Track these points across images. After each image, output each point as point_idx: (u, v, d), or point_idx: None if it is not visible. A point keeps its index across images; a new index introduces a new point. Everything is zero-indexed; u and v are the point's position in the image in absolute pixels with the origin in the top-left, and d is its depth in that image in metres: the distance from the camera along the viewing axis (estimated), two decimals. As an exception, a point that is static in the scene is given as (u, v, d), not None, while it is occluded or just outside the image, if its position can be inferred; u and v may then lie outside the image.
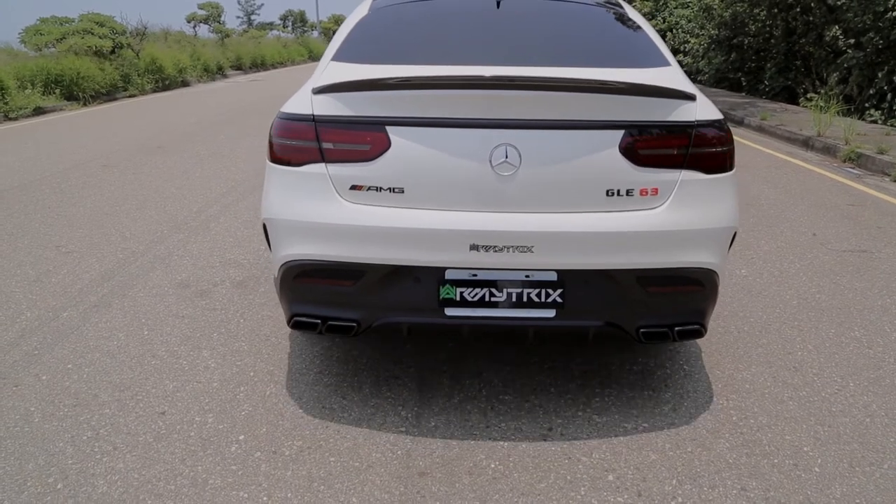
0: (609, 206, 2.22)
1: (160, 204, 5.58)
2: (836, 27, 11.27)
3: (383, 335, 3.07)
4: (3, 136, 9.85)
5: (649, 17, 20.45)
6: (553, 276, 2.24)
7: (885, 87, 9.91)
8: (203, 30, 26.43)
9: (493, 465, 2.23)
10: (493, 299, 2.27)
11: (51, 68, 13.52)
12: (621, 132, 2.19)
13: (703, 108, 2.31)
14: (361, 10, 2.92)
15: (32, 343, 3.11)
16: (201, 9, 26.29)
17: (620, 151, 2.19)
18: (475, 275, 2.24)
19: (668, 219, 2.23)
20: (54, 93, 13.44)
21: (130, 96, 15.82)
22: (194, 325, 3.28)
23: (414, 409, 2.55)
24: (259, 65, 27.33)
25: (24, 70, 13.13)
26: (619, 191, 2.21)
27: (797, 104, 11.74)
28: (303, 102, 2.32)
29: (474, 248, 2.18)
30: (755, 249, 4.40)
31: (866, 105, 10.21)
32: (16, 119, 11.68)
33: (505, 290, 2.26)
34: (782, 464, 2.25)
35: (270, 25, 38.12)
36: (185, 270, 4.01)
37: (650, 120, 2.22)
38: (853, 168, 7.16)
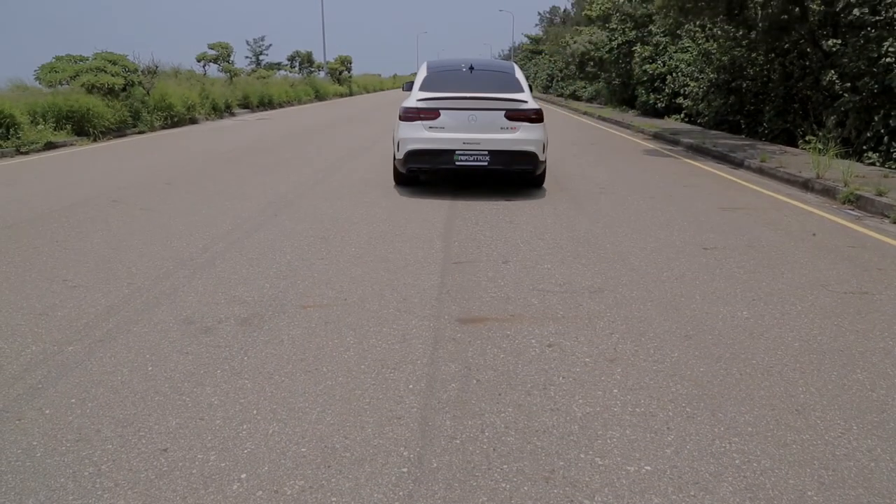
0: (502, 133, 7.31)
1: (166, 239, 5.64)
2: (832, 72, 11.49)
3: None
4: (15, 169, 10.00)
5: (649, 60, 20.85)
6: (486, 153, 7.27)
7: (882, 131, 10.05)
8: (212, 69, 26.92)
9: (495, 507, 2.22)
10: (468, 158, 7.26)
11: (62, 105, 13.78)
12: (504, 111, 7.31)
13: (531, 104, 7.49)
14: (424, 71, 8.03)
15: (37, 377, 3.13)
16: (211, 48, 26.82)
17: (504, 117, 7.30)
18: (464, 152, 7.26)
19: (519, 137, 7.33)
20: (65, 128, 13.66)
21: (140, 132, 16.07)
22: (198, 361, 3.29)
23: (416, 450, 2.55)
24: (266, 104, 27.76)
25: (37, 106, 13.39)
26: (504, 127, 7.30)
27: (796, 146, 11.88)
28: (412, 102, 7.43)
29: (465, 143, 7.25)
30: (756, 291, 4.43)
31: (864, 147, 10.34)
32: (27, 153, 11.86)
33: (472, 155, 7.26)
34: (786, 509, 2.23)
35: (278, 65, 38.79)
36: (190, 307, 4.04)
37: (513, 108, 7.32)
38: (853, 210, 7.22)
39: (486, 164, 7.27)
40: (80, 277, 4.62)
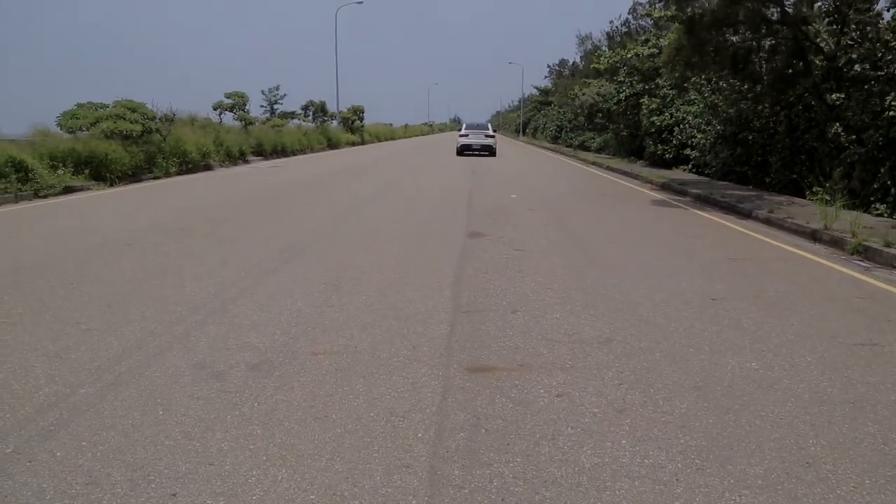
0: (483, 140, 30.72)
1: (179, 284, 5.72)
2: (837, 124, 11.65)
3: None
4: (33, 213, 10.21)
5: (657, 112, 21.19)
6: (480, 146, 30.39)
7: (889, 182, 10.13)
8: (228, 117, 27.57)
9: (503, 559, 2.21)
10: (475, 146, 30.46)
11: (81, 150, 14.15)
12: (484, 134, 31.35)
13: (491, 132, 32.06)
14: (464, 125, 33.64)
15: (49, 419, 3.16)
16: (228, 97, 27.52)
17: (483, 135, 31.10)
18: (474, 145, 30.56)
19: (488, 141, 30.75)
20: (83, 173, 13.99)
21: (155, 178, 16.39)
22: (208, 406, 3.32)
23: (424, 499, 2.54)
24: (279, 151, 28.30)
25: (57, 151, 13.75)
26: (484, 139, 30.75)
27: (803, 197, 11.96)
28: (462, 131, 32.20)
29: (474, 143, 30.60)
30: (765, 342, 4.42)
31: (871, 199, 10.40)
32: (45, 197, 12.12)
33: (476, 146, 30.40)
34: (798, 565, 2.20)
35: (292, 114, 39.65)
36: (202, 352, 4.08)
37: (486, 133, 31.45)
38: (861, 261, 7.23)
39: (479, 149, 29.85)
40: (94, 320, 4.68)
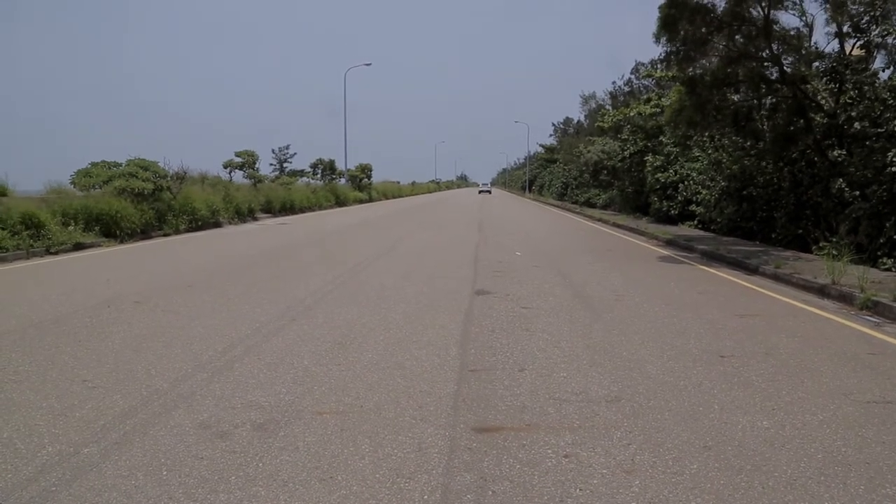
0: (489, 188, 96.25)
1: (186, 342, 5.73)
2: (841, 180, 11.76)
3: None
4: (44, 269, 10.32)
5: (661, 169, 21.47)
6: (487, 190, 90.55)
7: (895, 237, 10.13)
8: (238, 175, 28.14)
9: None
10: (484, 190, 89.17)
11: (93, 207, 14.42)
12: (489, 185, 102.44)
13: (489, 186, 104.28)
14: (480, 183, 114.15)
15: (51, 479, 3.13)
16: (238, 156, 28.13)
17: (489, 185, 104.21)
18: (483, 190, 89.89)
19: (491, 188, 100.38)
20: (94, 230, 14.21)
21: (164, 235, 16.61)
22: (213, 466, 3.28)
23: (430, 564, 2.48)
24: (288, 209, 28.71)
25: (70, 208, 14.02)
26: (489, 188, 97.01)
27: (810, 252, 11.96)
28: (480, 185, 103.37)
29: (483, 189, 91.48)
30: (776, 400, 4.36)
31: (878, 253, 10.39)
32: (56, 253, 12.27)
33: (485, 190, 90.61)
34: None
35: (301, 172, 40.49)
36: (207, 410, 4.06)
37: (489, 185, 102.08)
38: (871, 316, 7.17)
39: (486, 191, 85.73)
40: (100, 378, 4.68)
